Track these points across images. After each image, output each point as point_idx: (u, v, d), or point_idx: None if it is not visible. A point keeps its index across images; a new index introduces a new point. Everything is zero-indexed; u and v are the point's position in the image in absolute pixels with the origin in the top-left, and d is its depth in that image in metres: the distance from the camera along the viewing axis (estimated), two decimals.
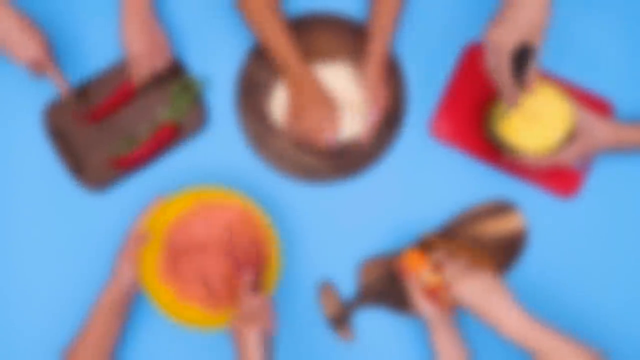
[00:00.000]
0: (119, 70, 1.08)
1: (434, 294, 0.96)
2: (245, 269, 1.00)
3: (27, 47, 0.97)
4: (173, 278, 1.02)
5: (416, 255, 0.98)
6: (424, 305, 0.96)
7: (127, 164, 1.06)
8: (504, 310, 0.88)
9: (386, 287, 1.07)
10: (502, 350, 1.07)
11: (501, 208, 1.07)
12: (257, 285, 1.00)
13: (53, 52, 1.04)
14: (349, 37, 1.08)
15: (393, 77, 1.08)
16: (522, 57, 0.90)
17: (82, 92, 1.08)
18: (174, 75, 1.08)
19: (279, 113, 1.08)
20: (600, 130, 0.96)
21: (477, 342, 1.07)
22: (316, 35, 1.08)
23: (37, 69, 1.00)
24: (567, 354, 0.86)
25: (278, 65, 1.04)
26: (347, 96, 1.07)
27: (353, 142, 1.07)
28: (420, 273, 0.96)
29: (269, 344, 0.90)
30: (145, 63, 1.01)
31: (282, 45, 1.01)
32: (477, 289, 0.90)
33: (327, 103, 1.04)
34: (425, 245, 1.03)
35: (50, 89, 1.10)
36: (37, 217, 1.09)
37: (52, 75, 1.02)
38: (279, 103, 1.08)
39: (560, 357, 0.86)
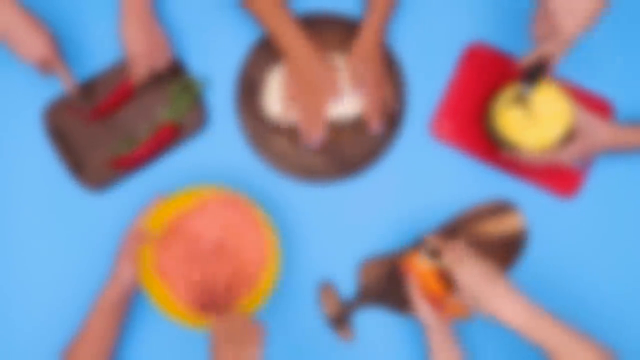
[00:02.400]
0: (119, 70, 1.08)
1: (438, 302, 0.96)
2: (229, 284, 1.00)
3: (34, 45, 0.96)
4: (171, 277, 1.02)
5: (417, 257, 0.98)
6: (424, 309, 0.96)
7: (127, 164, 1.06)
8: (507, 298, 0.85)
9: (386, 287, 1.07)
10: (501, 354, 1.07)
11: (501, 208, 1.07)
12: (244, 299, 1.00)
13: (60, 49, 1.03)
14: (345, 34, 1.08)
15: (393, 77, 1.08)
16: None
17: (83, 92, 1.08)
18: (174, 75, 1.08)
19: (275, 107, 1.07)
20: (600, 131, 0.96)
21: (475, 347, 1.07)
22: (314, 31, 1.08)
23: (44, 67, 0.99)
24: (578, 350, 0.82)
25: (282, 51, 1.04)
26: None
27: (343, 124, 1.07)
28: (417, 258, 0.96)
29: None
30: (144, 63, 1.01)
31: (288, 30, 1.02)
32: (476, 274, 0.88)
33: (329, 79, 1.04)
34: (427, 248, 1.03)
35: (51, 88, 1.10)
36: (37, 217, 1.09)
37: (60, 73, 1.01)
38: (274, 96, 1.07)
39: (571, 353, 0.82)
